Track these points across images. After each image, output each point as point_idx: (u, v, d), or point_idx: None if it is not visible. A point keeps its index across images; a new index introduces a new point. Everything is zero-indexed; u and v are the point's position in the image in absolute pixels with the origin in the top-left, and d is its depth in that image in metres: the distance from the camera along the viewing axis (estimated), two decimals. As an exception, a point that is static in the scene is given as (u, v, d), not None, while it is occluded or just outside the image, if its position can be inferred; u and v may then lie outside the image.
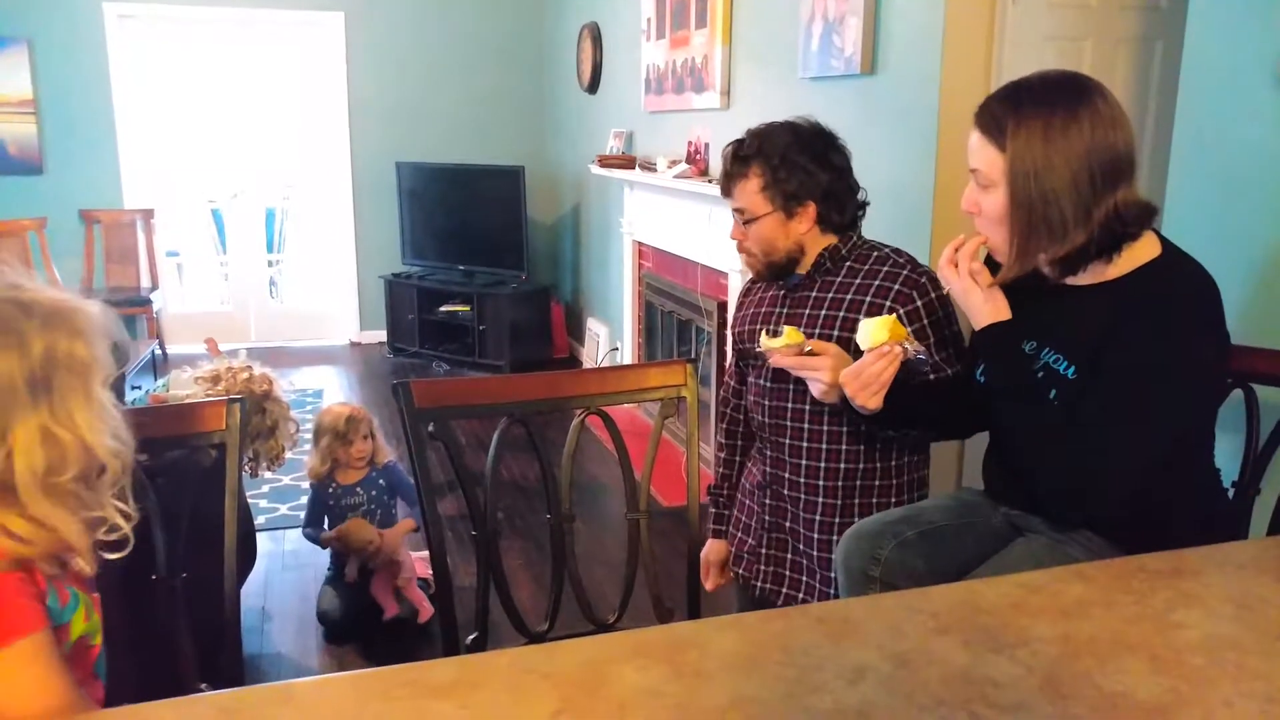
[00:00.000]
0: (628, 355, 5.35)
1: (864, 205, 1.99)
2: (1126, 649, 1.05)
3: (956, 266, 1.53)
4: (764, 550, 2.08)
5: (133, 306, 5.91)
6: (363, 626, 3.01)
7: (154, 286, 6.18)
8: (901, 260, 1.92)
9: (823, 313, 1.92)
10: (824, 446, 1.95)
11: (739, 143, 1.95)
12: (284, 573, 3.40)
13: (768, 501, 2.06)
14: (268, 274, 7.00)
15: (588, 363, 6.11)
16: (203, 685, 1.41)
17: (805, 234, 1.92)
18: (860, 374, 1.60)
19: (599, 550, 3.47)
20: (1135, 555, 1.30)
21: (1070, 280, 1.46)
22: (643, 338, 5.14)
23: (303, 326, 6.91)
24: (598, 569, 3.26)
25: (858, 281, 1.91)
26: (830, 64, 3.13)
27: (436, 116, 6.68)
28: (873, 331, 1.60)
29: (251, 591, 3.16)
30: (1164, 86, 2.75)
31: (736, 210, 1.96)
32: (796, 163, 1.87)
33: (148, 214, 6.21)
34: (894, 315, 1.61)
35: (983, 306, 1.52)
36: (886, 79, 2.91)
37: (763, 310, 2.05)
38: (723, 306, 3.99)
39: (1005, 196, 1.42)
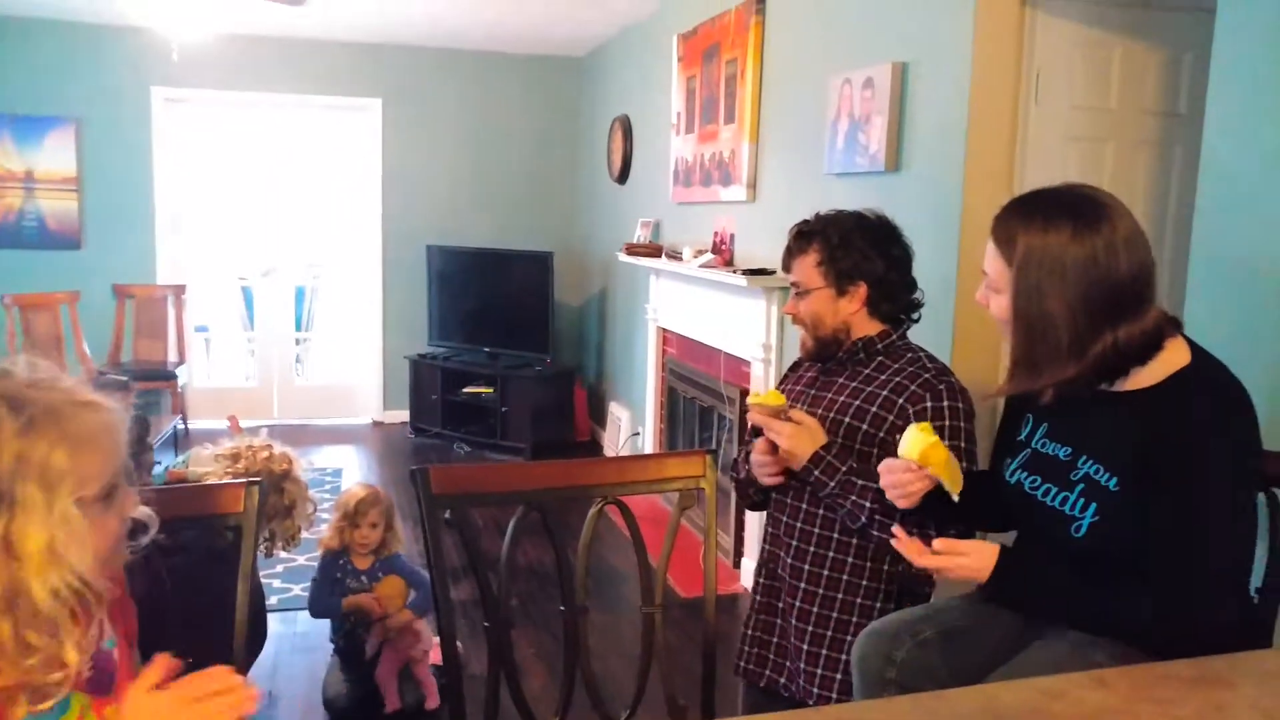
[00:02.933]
0: (649, 440, 5.34)
1: (918, 305, 2.03)
2: (1153, 765, 1.02)
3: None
4: (750, 631, 2.07)
5: (158, 380, 5.98)
6: (370, 713, 2.95)
7: (180, 361, 6.27)
8: (930, 365, 1.94)
9: (842, 399, 1.95)
10: (816, 530, 1.95)
11: (805, 221, 2.04)
12: (293, 655, 3.36)
13: (762, 580, 2.07)
14: (294, 351, 7.08)
15: (609, 446, 6.09)
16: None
17: (853, 315, 1.98)
18: (891, 472, 1.60)
19: (614, 641, 3.41)
20: (1160, 662, 1.27)
21: (1110, 387, 1.45)
22: (665, 423, 5.14)
23: (326, 404, 6.96)
24: (612, 660, 3.20)
25: (882, 376, 1.94)
26: (855, 161, 3.18)
27: (469, 201, 6.82)
28: (909, 439, 1.58)
29: (260, 674, 3.11)
30: (1183, 190, 2.77)
31: (793, 284, 2.04)
32: (855, 244, 1.95)
33: (179, 289, 6.33)
34: (927, 425, 1.60)
35: (974, 567, 1.48)
36: (910, 176, 2.96)
37: (798, 389, 2.09)
38: (745, 394, 3.98)
39: (1009, 308, 1.45)
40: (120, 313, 6.20)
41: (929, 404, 1.87)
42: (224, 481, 1.77)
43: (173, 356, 6.28)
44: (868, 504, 1.82)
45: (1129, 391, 1.43)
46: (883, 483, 1.62)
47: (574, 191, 7.03)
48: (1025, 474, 1.56)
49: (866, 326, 1.99)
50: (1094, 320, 1.39)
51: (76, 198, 6.16)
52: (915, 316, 2.05)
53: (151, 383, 5.92)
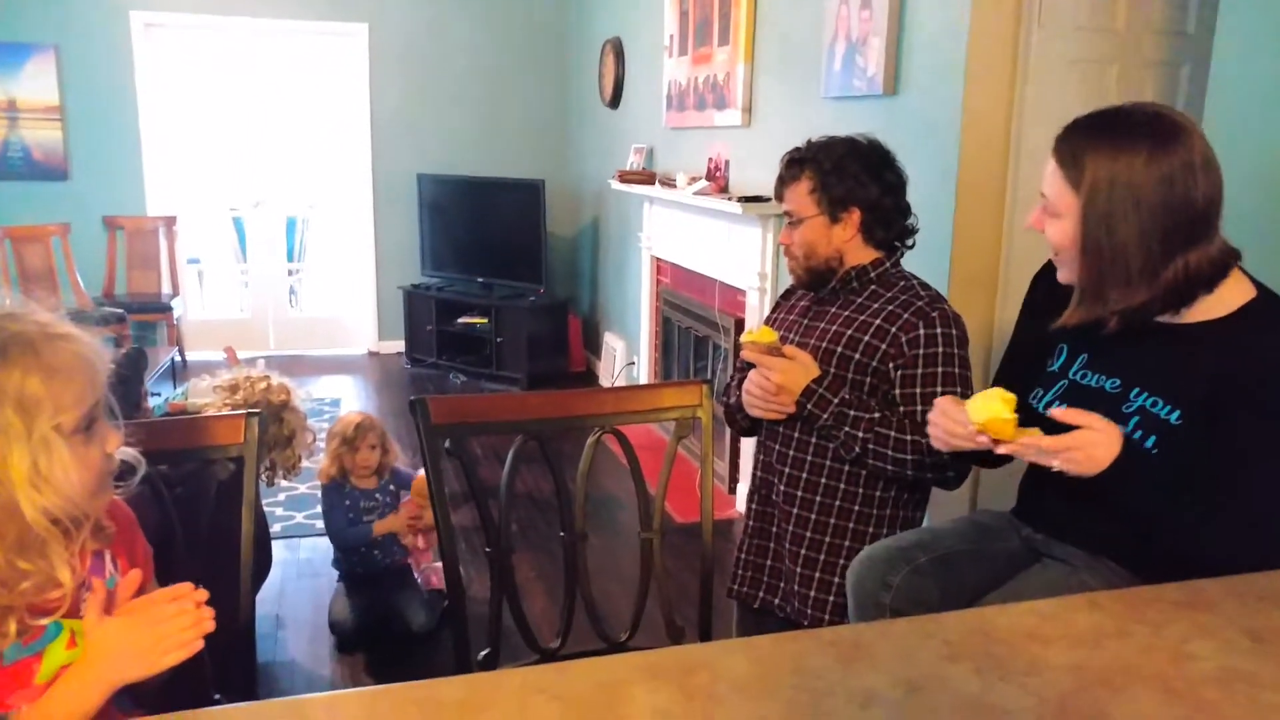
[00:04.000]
0: (644, 370, 5.36)
1: (912, 232, 2.02)
2: (1140, 680, 1.04)
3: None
4: (744, 555, 2.10)
5: (153, 313, 5.96)
6: (374, 635, 3.02)
7: (174, 293, 6.24)
8: (923, 293, 1.93)
9: (834, 328, 1.95)
10: (809, 458, 1.97)
11: (797, 148, 2.01)
12: (299, 580, 3.42)
13: (755, 506, 2.09)
14: (288, 283, 7.05)
15: (604, 377, 6.12)
16: (217, 695, 1.42)
17: (847, 243, 1.96)
18: (945, 416, 1.47)
19: (612, 566, 3.47)
20: (1152, 585, 1.29)
21: (1162, 319, 1.41)
22: (660, 353, 5.15)
23: (321, 336, 6.96)
24: (611, 585, 3.26)
25: (874, 305, 1.93)
26: (853, 84, 3.14)
27: (458, 129, 6.72)
28: (985, 407, 1.40)
29: (266, 599, 3.17)
30: (1190, 112, 2.73)
31: (786, 213, 2.02)
32: (848, 170, 1.93)
33: (170, 221, 6.27)
34: (1011, 399, 1.41)
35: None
36: (908, 100, 2.92)
37: (790, 318, 2.09)
38: (740, 323, 3.99)
39: (1073, 233, 1.39)
40: (111, 245, 6.15)
41: (922, 332, 1.86)
42: (224, 413, 1.77)
43: (166, 289, 6.25)
44: (860, 434, 1.83)
45: (1194, 324, 1.39)
46: (931, 417, 1.51)
47: (565, 118, 6.93)
48: (1062, 405, 1.47)
49: (860, 254, 1.97)
50: (1167, 246, 1.33)
51: (61, 127, 6.06)
52: (910, 244, 2.04)
53: (146, 315, 5.91)
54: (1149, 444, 1.40)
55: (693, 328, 4.62)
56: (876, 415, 1.83)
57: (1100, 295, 1.40)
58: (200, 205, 6.64)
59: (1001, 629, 1.16)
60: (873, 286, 1.97)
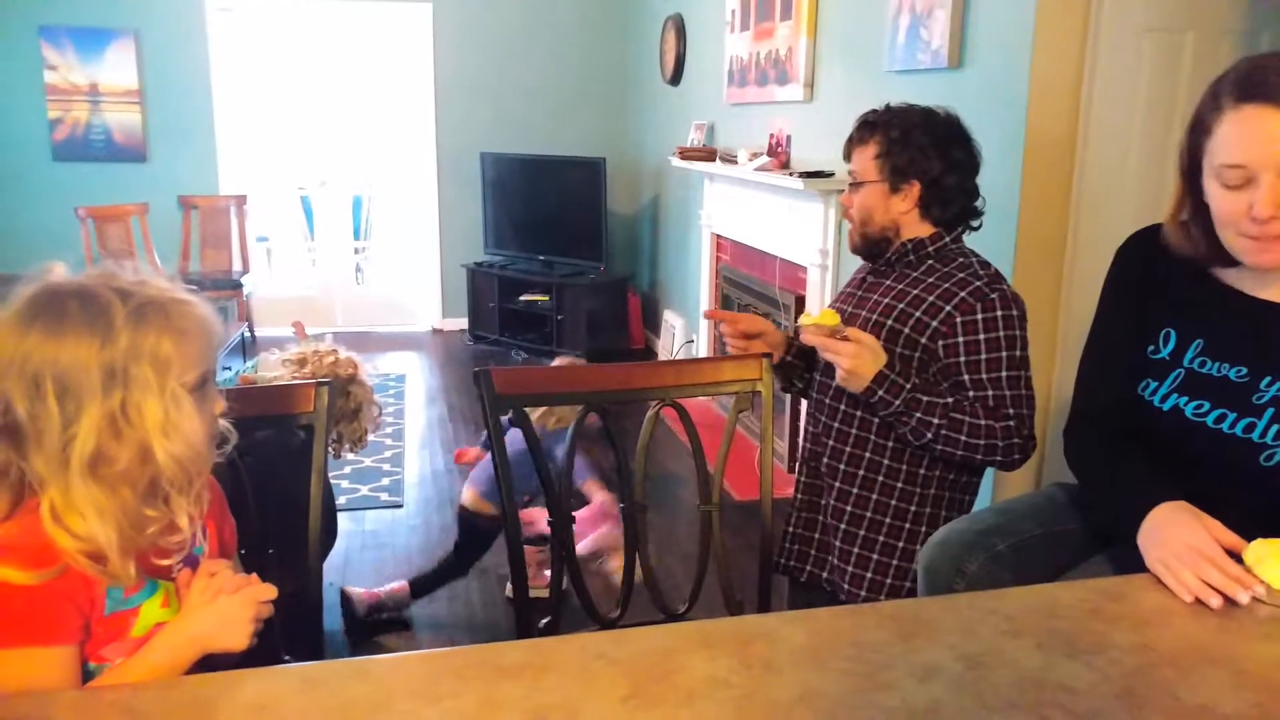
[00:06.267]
0: (703, 348, 5.35)
1: (976, 214, 1.97)
2: (1209, 661, 1.02)
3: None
4: (791, 529, 2.07)
5: (225, 290, 6.12)
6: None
7: (245, 270, 6.39)
8: (983, 272, 1.87)
9: (886, 300, 1.91)
10: (853, 431, 1.93)
11: (873, 110, 1.98)
12: (362, 552, 3.50)
13: (803, 479, 2.06)
14: (354, 260, 7.18)
15: (663, 354, 6.13)
16: (286, 657, 1.46)
17: (904, 214, 1.92)
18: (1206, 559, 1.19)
19: (671, 540, 3.49)
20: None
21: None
22: (716, 330, 5.13)
23: (387, 312, 7.07)
24: (670, 559, 3.28)
25: (930, 280, 1.89)
26: (917, 57, 3.08)
27: (521, 107, 6.75)
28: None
29: (331, 569, 3.25)
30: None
31: (850, 173, 1.99)
32: (914, 141, 1.88)
33: (240, 200, 6.42)
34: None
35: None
36: (974, 73, 2.86)
37: (848, 290, 2.07)
38: (800, 300, 3.96)
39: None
40: (186, 223, 6.33)
41: (980, 315, 1.81)
42: (295, 382, 1.83)
43: (237, 266, 6.41)
44: (935, 420, 1.77)
45: None
46: (1199, 555, 1.19)
47: (626, 95, 6.91)
48: (1185, 399, 1.38)
49: (917, 228, 1.93)
50: None
51: (140, 110, 6.24)
52: (976, 225, 1.99)
53: (219, 292, 6.06)
54: None
55: (753, 305, 4.60)
56: (950, 400, 1.78)
57: None
58: (269, 184, 6.78)
59: (1066, 606, 1.15)
60: (930, 261, 1.92)
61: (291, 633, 1.48)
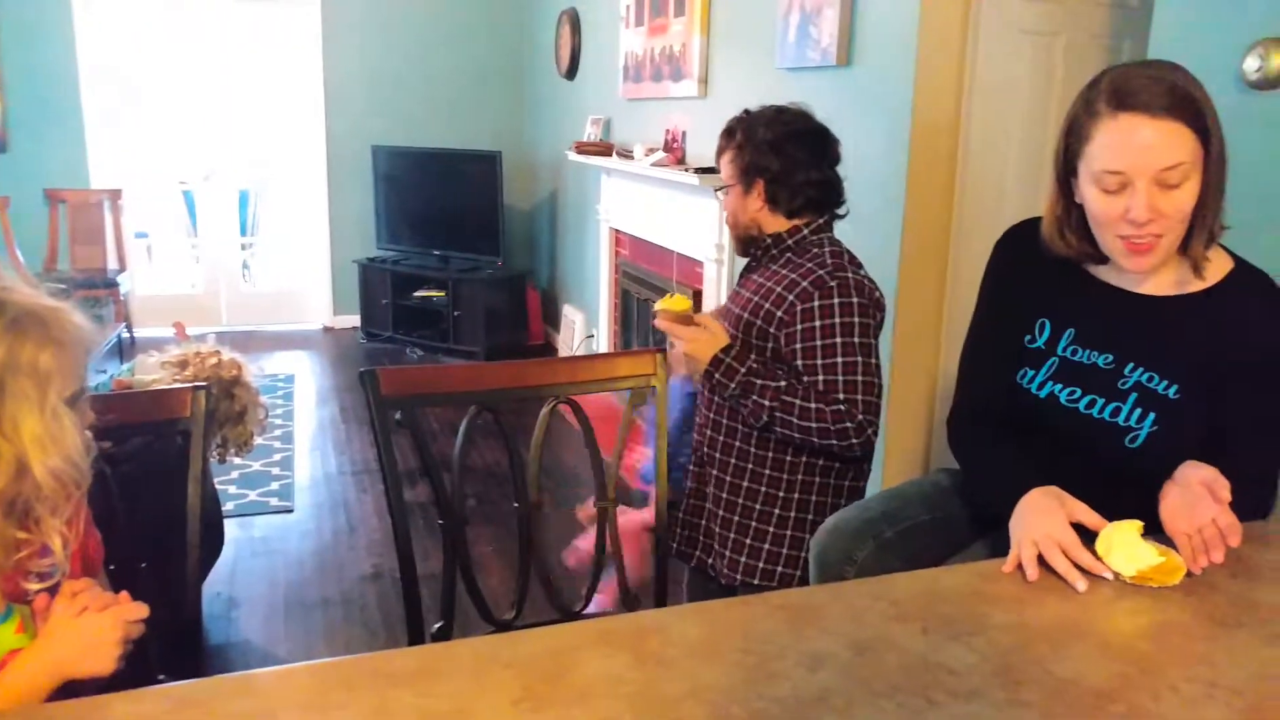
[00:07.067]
0: (603, 343, 5.35)
1: (830, 203, 2.02)
2: (1078, 636, 1.07)
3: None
4: (682, 515, 2.13)
5: (99, 289, 5.82)
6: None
7: (121, 268, 6.10)
8: (829, 262, 1.92)
9: (747, 294, 2.00)
10: (725, 420, 2.01)
11: (733, 117, 2.07)
12: (252, 559, 3.39)
13: (693, 468, 2.13)
14: (240, 257, 6.93)
15: (563, 349, 6.10)
16: (161, 677, 1.40)
17: (759, 211, 2.01)
18: (1070, 551, 1.22)
19: (570, 536, 3.47)
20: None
21: (1145, 290, 1.39)
22: (619, 325, 5.14)
23: (275, 310, 6.86)
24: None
25: (783, 272, 1.96)
26: (807, 55, 3.14)
27: (413, 100, 6.62)
28: (1134, 548, 1.21)
29: (218, 579, 3.14)
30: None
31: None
32: (756, 140, 1.98)
33: (115, 194, 6.12)
34: (1173, 558, 1.22)
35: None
36: (862, 70, 2.92)
37: (735, 288, 2.14)
38: (698, 295, 3.99)
39: (1199, 183, 1.28)
40: (54, 219, 5.99)
41: (816, 302, 1.86)
42: (171, 386, 1.75)
43: (113, 264, 6.11)
44: (767, 403, 1.85)
45: (1183, 296, 1.37)
46: (1053, 542, 1.22)
47: (521, 89, 6.85)
48: (1059, 385, 1.44)
49: (774, 223, 2.01)
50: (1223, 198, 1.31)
51: None
52: (840, 213, 2.05)
53: (91, 291, 5.77)
54: (1148, 423, 1.37)
55: (651, 299, 4.62)
56: (783, 384, 1.85)
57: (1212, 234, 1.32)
58: (148, 178, 6.50)
59: (949, 589, 1.19)
60: (789, 254, 1.99)
61: (169, 651, 1.42)
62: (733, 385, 1.87)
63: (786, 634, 1.07)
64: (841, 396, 1.82)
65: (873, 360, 1.87)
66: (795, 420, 1.83)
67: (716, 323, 1.93)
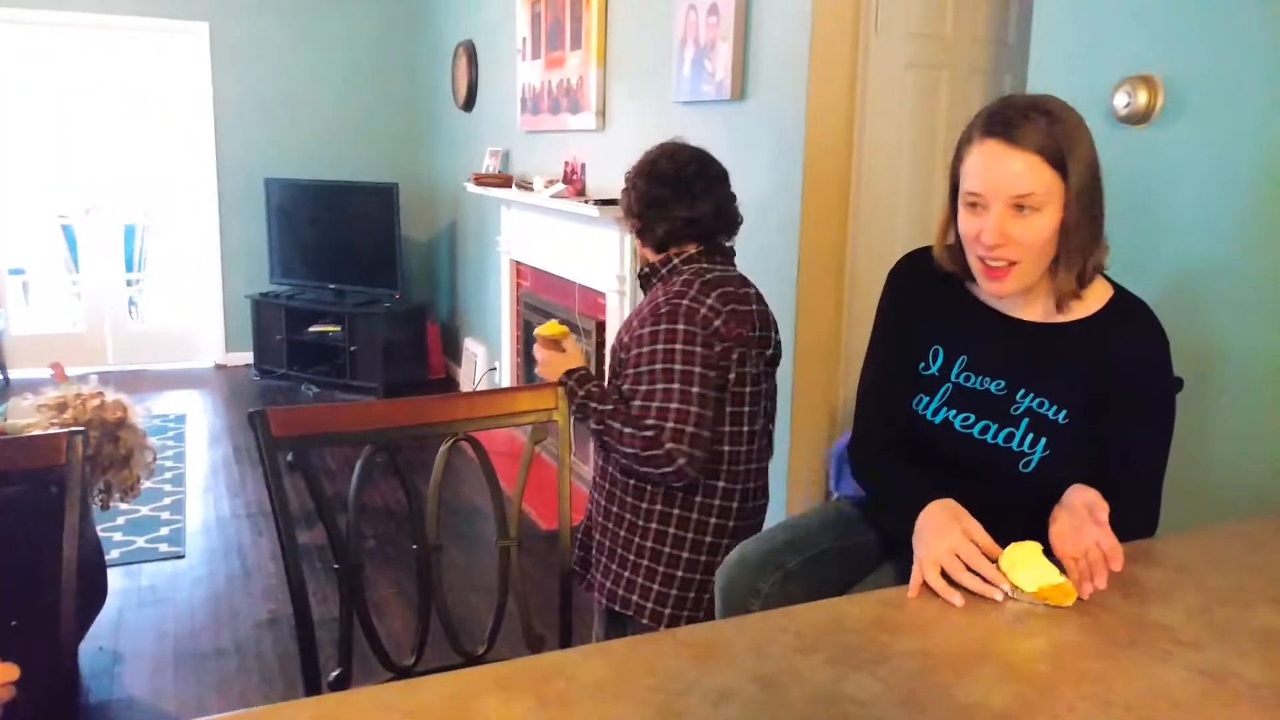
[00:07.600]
0: (506, 375, 5.30)
1: (705, 234, 2.04)
2: (980, 660, 1.09)
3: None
4: (580, 536, 2.18)
5: (-28, 329, 5.53)
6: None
7: (-3, 307, 5.80)
8: (679, 290, 1.95)
9: (621, 321, 2.08)
10: (597, 450, 2.08)
11: None
12: (140, 609, 3.22)
13: (591, 493, 2.19)
14: (127, 293, 6.65)
15: (465, 383, 6.02)
16: (36, 739, 1.31)
17: (641, 247, 2.11)
18: (972, 563, 1.23)
19: (475, 576, 3.41)
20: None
21: (1030, 317, 1.43)
22: (521, 357, 5.10)
23: (165, 348, 6.59)
24: (473, 596, 3.20)
25: (644, 301, 2.05)
26: (702, 89, 3.18)
27: (307, 131, 6.50)
28: (1033, 564, 1.22)
29: (100, 632, 2.98)
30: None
31: None
32: (630, 184, 2.09)
33: (-10, 230, 5.82)
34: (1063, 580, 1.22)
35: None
36: (756, 104, 2.98)
37: None
38: (601, 326, 3.99)
39: (1058, 216, 1.32)
40: (-80, 256, 5.67)
41: (646, 329, 1.92)
42: (45, 432, 1.65)
43: (-15, 302, 5.81)
44: (593, 425, 1.93)
45: (1069, 322, 1.41)
46: (953, 557, 1.24)
47: (417, 121, 6.79)
48: (953, 411, 1.46)
49: (651, 256, 2.10)
50: (1099, 230, 1.35)
51: None
52: (725, 242, 2.09)
53: (-38, 331, 5.47)
54: (1040, 448, 1.40)
55: (553, 332, 4.59)
56: (609, 408, 1.90)
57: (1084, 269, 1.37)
58: (23, 212, 6.19)
59: (853, 619, 1.19)
60: (657, 284, 2.06)
61: (42, 714, 1.33)
62: (571, 407, 1.92)
63: (692, 670, 1.05)
64: (650, 423, 1.85)
65: (693, 389, 1.86)
66: (617, 445, 1.89)
67: (578, 349, 2.02)
